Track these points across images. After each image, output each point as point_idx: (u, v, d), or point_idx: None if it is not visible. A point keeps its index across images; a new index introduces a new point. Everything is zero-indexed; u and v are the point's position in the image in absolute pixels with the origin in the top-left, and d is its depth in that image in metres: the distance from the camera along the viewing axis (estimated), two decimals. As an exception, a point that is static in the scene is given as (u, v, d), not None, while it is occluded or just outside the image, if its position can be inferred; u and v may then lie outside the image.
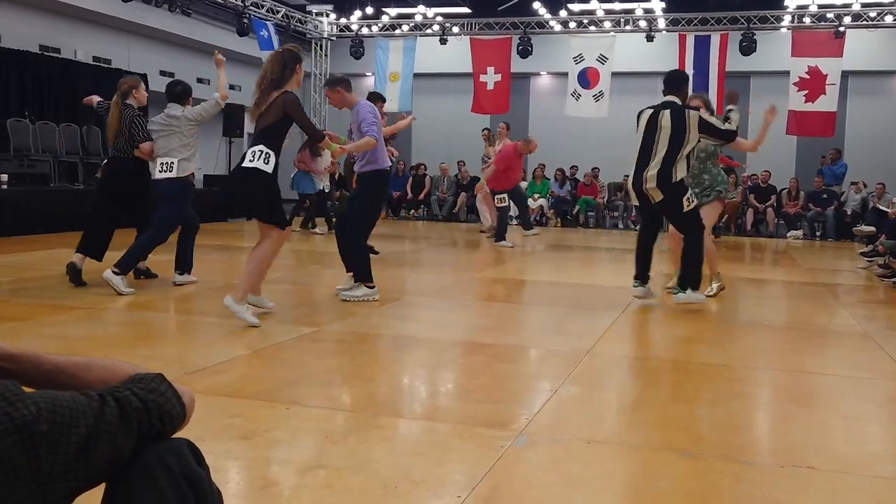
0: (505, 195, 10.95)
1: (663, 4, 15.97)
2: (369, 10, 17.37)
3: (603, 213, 16.27)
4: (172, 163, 6.05)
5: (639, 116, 5.90)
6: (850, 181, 14.97)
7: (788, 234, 14.62)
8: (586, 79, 15.81)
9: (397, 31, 17.71)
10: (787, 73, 14.90)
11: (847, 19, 15.07)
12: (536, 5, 16.36)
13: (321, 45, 18.98)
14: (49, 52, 13.15)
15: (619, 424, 3.29)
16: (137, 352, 4.12)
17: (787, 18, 15.58)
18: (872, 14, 15.02)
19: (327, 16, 18.46)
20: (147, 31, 14.81)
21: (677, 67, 15.05)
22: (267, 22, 16.02)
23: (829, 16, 15.22)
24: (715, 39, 15.07)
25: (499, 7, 16.55)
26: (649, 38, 16.02)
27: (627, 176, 6.39)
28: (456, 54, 17.13)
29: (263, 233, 4.97)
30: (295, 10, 17.63)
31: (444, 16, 17.19)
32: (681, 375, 4.11)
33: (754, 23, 15.44)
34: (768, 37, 15.83)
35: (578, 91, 15.87)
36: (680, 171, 5.65)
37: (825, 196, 14.63)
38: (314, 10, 18.28)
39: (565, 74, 16.23)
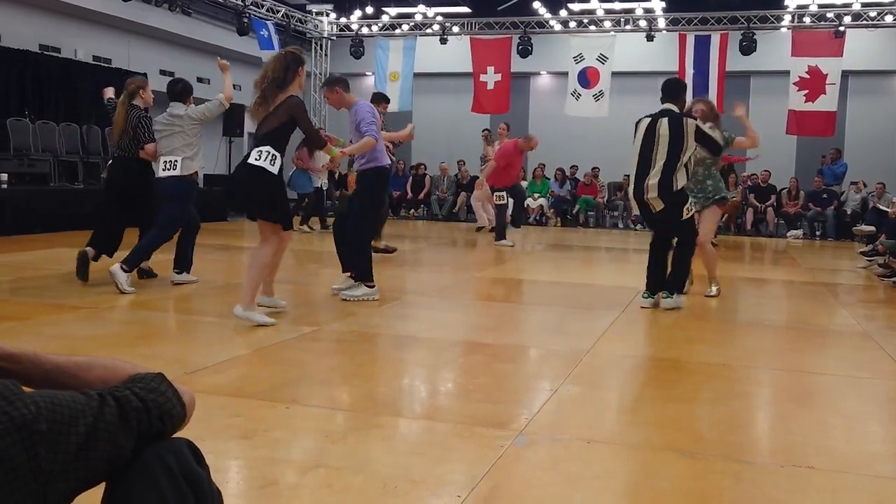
0: (504, 193, 10.96)
1: (663, 4, 15.97)
2: (369, 10, 17.36)
3: (603, 213, 16.27)
4: (176, 161, 6.08)
5: (637, 125, 5.91)
6: (850, 181, 14.97)
7: (788, 234, 14.62)
8: (586, 78, 15.81)
9: (397, 31, 17.71)
10: (787, 72, 14.90)
11: (847, 19, 15.07)
12: (536, 5, 16.35)
13: (321, 45, 18.98)
14: (49, 52, 13.14)
15: (618, 424, 3.29)
16: (138, 351, 4.12)
17: (787, 18, 15.58)
18: (872, 14, 15.02)
19: (327, 15, 18.45)
20: (147, 30, 14.81)
21: (677, 67, 15.13)
22: (267, 21, 16.01)
23: (830, 15, 15.22)
24: (715, 39, 15.07)
25: (499, 7, 16.55)
26: (649, 38, 16.02)
27: (628, 176, 6.40)
28: (456, 54, 17.12)
29: (264, 235, 4.95)
30: (295, 9, 17.62)
31: (444, 15, 17.18)
32: (681, 375, 4.11)
33: (754, 22, 15.44)
34: (768, 36, 15.82)
35: (578, 91, 15.87)
36: (680, 180, 5.69)
37: (825, 196, 14.63)
38: (314, 10, 18.27)
39: (565, 74, 16.23)
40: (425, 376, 4.05)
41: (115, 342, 4.43)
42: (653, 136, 5.70)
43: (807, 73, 14.67)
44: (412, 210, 16.82)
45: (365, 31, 18.02)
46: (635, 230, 14.75)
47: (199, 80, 15.05)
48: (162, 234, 6.13)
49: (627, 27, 16.46)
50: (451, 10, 16.99)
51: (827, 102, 14.63)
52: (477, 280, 7.67)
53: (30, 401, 1.11)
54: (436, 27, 17.31)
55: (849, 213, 14.35)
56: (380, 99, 8.65)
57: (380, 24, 17.82)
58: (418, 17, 17.35)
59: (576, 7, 16.56)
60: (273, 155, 4.74)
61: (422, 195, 16.72)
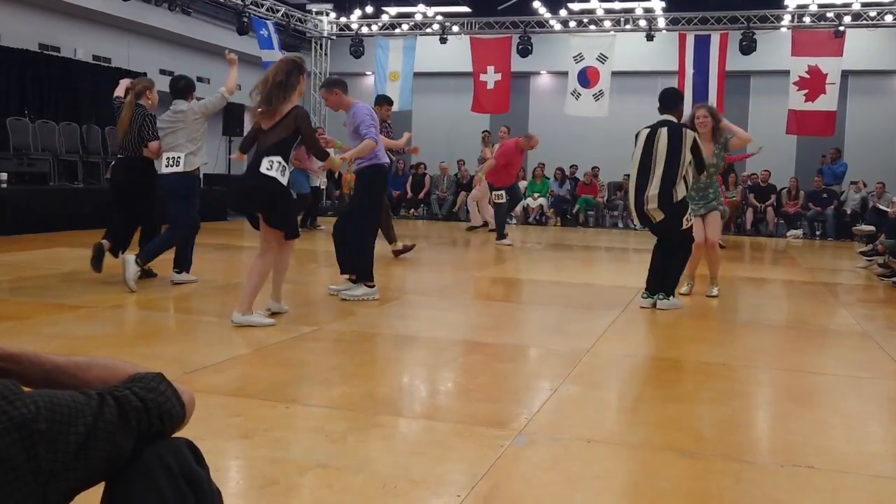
0: (503, 192, 10.95)
1: (663, 4, 15.96)
2: (369, 10, 17.36)
3: (603, 213, 16.26)
4: (179, 157, 6.11)
5: (636, 136, 5.95)
6: (850, 181, 14.97)
7: (788, 234, 14.62)
8: (586, 78, 15.80)
9: (397, 31, 17.70)
10: (787, 72, 14.90)
11: (847, 19, 15.07)
12: (536, 4, 16.35)
13: (321, 45, 18.97)
14: (49, 51, 13.14)
15: (618, 424, 3.29)
16: (137, 351, 4.12)
17: (787, 18, 15.57)
18: (872, 13, 15.02)
19: (327, 15, 18.44)
20: (147, 29, 14.80)
21: (677, 67, 15.14)
22: (267, 21, 16.00)
23: (829, 15, 15.22)
24: (715, 39, 15.06)
25: (499, 6, 16.55)
26: (649, 38, 16.02)
27: (627, 175, 6.41)
28: (456, 53, 17.12)
29: (267, 243, 4.95)
30: (295, 9, 17.61)
31: (444, 15, 17.18)
32: (681, 375, 4.11)
33: (754, 22, 15.44)
34: (768, 36, 15.82)
35: (578, 90, 15.87)
36: (680, 192, 5.73)
37: (825, 195, 14.63)
38: (314, 9, 18.27)
39: (565, 74, 16.22)
40: (425, 376, 4.05)
41: (115, 342, 4.43)
42: (652, 145, 5.74)
43: (807, 72, 14.67)
44: (412, 210, 16.82)
45: (365, 30, 18.02)
46: (635, 230, 14.73)
47: (199, 79, 14.96)
48: (178, 233, 6.21)
49: (627, 27, 16.46)
50: (451, 9, 16.98)
51: (827, 102, 14.62)
52: (477, 279, 7.67)
53: (29, 400, 1.11)
54: (436, 27, 17.30)
55: (849, 212, 14.35)
56: (383, 101, 8.64)
57: (380, 24, 17.81)
58: (418, 17, 17.35)
59: (576, 7, 16.56)
60: (283, 166, 4.81)
61: (421, 195, 16.72)
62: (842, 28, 14.91)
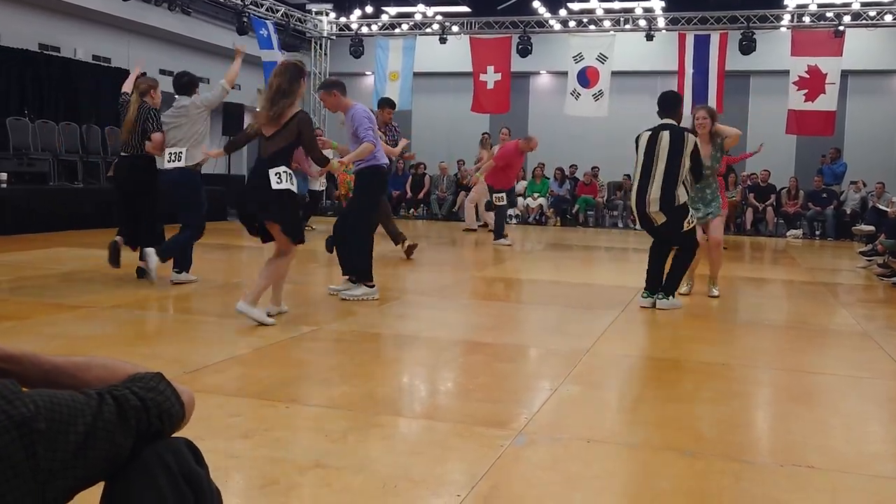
0: (503, 194, 10.95)
1: (663, 3, 15.96)
2: (369, 9, 17.35)
3: (602, 213, 16.26)
4: (181, 152, 6.13)
5: (637, 140, 5.96)
6: (850, 180, 14.97)
7: (788, 234, 14.62)
8: (586, 78, 15.80)
9: (397, 30, 17.70)
10: (786, 72, 14.89)
11: (847, 18, 15.07)
12: (536, 4, 16.35)
13: (321, 44, 18.97)
14: (49, 51, 13.13)
15: (618, 424, 3.29)
16: (137, 351, 4.12)
17: (787, 17, 15.58)
18: (872, 13, 15.02)
19: (327, 15, 18.44)
20: (147, 29, 14.80)
21: (677, 66, 15.13)
22: (266, 21, 15.99)
23: (829, 15, 15.22)
24: (714, 38, 15.06)
25: (498, 6, 16.54)
26: (649, 38, 16.02)
27: (627, 175, 6.42)
28: (456, 53, 17.11)
29: (280, 245, 5.00)
30: (294, 8, 17.61)
31: (444, 15, 17.18)
32: (680, 374, 4.11)
33: (754, 22, 15.44)
34: (768, 36, 15.82)
35: (578, 90, 15.86)
36: (682, 195, 5.74)
37: (825, 195, 14.63)
38: (314, 9, 18.26)
39: (565, 73, 16.22)
40: (425, 376, 4.05)
41: (115, 342, 4.43)
42: (654, 148, 5.76)
43: (806, 72, 14.67)
44: (412, 210, 16.82)
45: (364, 30, 18.01)
46: (635, 230, 14.72)
47: (199, 79, 15.04)
48: (196, 233, 6.30)
49: (627, 27, 16.46)
50: (451, 9, 16.98)
51: (826, 102, 14.62)
52: (477, 279, 7.67)
53: (29, 400, 1.11)
54: (435, 27, 17.30)
55: (848, 212, 14.35)
56: (385, 105, 8.60)
57: (379, 24, 17.81)
58: (418, 17, 17.34)
59: (575, 6, 16.56)
60: (290, 174, 4.86)
61: (421, 195, 16.71)
62: (841, 28, 14.91)
